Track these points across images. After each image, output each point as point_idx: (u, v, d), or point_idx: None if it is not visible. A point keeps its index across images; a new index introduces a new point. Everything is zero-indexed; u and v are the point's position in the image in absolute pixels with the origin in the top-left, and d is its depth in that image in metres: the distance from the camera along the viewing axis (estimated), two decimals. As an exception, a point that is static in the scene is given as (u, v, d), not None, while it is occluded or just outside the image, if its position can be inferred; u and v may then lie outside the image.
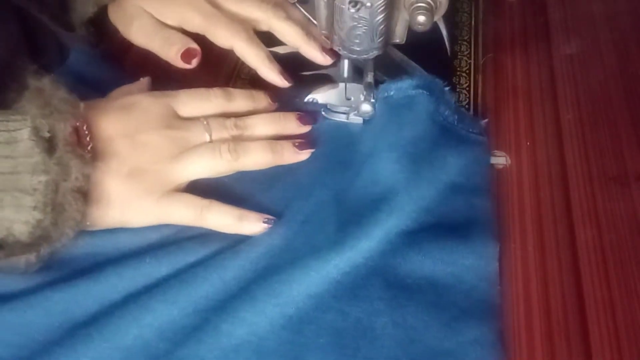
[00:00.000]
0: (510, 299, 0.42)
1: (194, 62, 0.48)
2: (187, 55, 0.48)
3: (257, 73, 0.49)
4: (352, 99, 0.50)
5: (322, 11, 0.45)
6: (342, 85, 0.51)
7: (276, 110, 0.48)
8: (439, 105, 0.48)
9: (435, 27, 0.44)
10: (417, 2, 0.40)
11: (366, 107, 0.47)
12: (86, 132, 0.40)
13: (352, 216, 0.43)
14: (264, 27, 0.50)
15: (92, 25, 0.51)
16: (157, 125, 0.43)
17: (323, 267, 0.40)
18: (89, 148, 0.39)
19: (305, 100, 0.51)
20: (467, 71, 0.55)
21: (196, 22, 0.49)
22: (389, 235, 0.42)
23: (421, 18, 0.40)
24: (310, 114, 0.48)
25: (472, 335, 0.39)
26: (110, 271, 0.40)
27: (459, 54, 0.56)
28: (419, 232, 0.43)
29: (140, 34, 0.50)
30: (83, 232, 0.40)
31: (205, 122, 0.44)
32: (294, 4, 0.52)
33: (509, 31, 0.60)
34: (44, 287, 0.39)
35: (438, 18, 0.42)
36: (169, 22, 0.50)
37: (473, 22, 0.60)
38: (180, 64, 0.48)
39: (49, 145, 0.37)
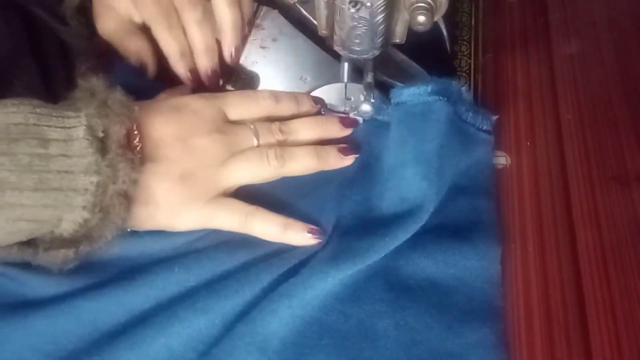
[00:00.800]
0: (510, 299, 0.42)
1: (150, 74, 0.48)
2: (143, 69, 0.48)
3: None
4: (352, 98, 0.50)
5: (322, 11, 0.45)
6: (342, 85, 0.51)
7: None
8: (458, 109, 0.47)
9: (435, 27, 0.44)
10: (417, 2, 0.40)
11: (366, 107, 0.47)
12: (136, 133, 0.40)
13: (377, 230, 0.42)
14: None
15: (82, 15, 0.51)
16: (209, 130, 0.42)
17: (338, 274, 0.40)
18: (138, 149, 0.39)
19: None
20: (467, 71, 0.55)
21: None
22: (388, 235, 0.42)
23: (421, 18, 0.40)
24: (351, 117, 0.48)
25: (474, 337, 0.39)
26: (141, 280, 0.40)
27: (459, 54, 0.56)
28: (423, 234, 0.42)
29: (105, 32, 0.49)
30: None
31: (252, 127, 0.44)
32: (294, 4, 0.51)
33: (509, 31, 0.60)
34: (76, 295, 0.39)
35: (438, 18, 0.42)
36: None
37: (473, 22, 0.59)
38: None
39: (102, 146, 0.37)
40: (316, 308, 0.40)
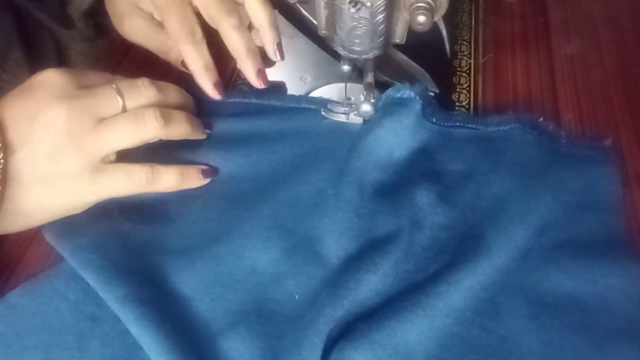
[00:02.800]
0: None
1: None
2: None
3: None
4: (352, 99, 0.50)
5: (322, 11, 0.45)
6: (342, 85, 0.51)
7: None
8: (541, 138, 0.48)
9: (435, 27, 0.44)
10: (418, 2, 0.40)
11: (366, 107, 0.47)
12: None
13: (480, 248, 0.42)
14: (212, 25, 0.49)
15: (90, 17, 0.51)
16: (59, 98, 0.39)
17: (462, 280, 0.40)
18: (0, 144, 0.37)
19: None
20: (467, 71, 0.55)
21: (158, 4, 0.48)
22: (517, 249, 0.42)
23: (421, 18, 0.40)
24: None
25: (623, 358, 0.38)
26: None
27: (459, 54, 0.56)
28: (554, 250, 0.42)
29: (132, 33, 0.50)
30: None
31: (114, 85, 0.41)
32: (294, 4, 0.52)
33: (509, 31, 0.60)
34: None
35: (438, 18, 0.42)
36: (143, 7, 0.49)
37: (473, 22, 0.59)
38: (180, 68, 0.49)
39: None
40: (455, 322, 0.39)
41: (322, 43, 0.52)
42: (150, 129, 0.41)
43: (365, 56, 0.46)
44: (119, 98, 0.41)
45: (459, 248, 0.43)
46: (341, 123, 0.49)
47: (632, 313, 0.40)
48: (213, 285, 0.41)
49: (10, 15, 0.47)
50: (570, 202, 0.45)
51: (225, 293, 0.41)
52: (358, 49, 0.45)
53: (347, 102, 0.50)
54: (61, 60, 0.50)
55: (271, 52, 0.50)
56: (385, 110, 0.48)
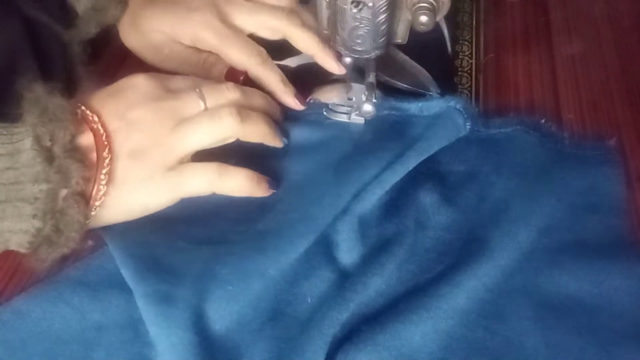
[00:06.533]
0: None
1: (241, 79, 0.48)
2: (231, 74, 0.48)
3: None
4: (354, 99, 0.50)
5: (324, 11, 0.45)
6: (343, 85, 0.51)
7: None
8: (543, 139, 0.48)
9: (436, 27, 0.44)
10: (420, 3, 0.40)
11: (368, 107, 0.47)
12: (96, 128, 0.39)
13: (483, 251, 0.42)
14: (278, 36, 0.49)
15: (89, 45, 0.51)
16: (147, 100, 0.41)
17: (465, 282, 0.40)
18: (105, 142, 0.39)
19: (307, 100, 0.51)
20: (469, 71, 0.55)
21: (210, 43, 0.48)
22: (521, 250, 0.42)
23: (423, 18, 0.40)
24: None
25: (629, 359, 0.38)
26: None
27: (460, 54, 0.56)
28: (558, 251, 0.42)
29: (172, 61, 0.50)
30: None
31: (197, 90, 0.42)
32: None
33: (511, 31, 0.60)
34: None
35: (440, 18, 0.42)
36: (184, 42, 0.49)
37: (474, 22, 0.59)
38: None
39: (49, 155, 0.37)
40: (459, 323, 0.39)
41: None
42: (226, 126, 0.41)
43: (366, 56, 0.46)
44: (200, 101, 0.42)
45: (462, 249, 0.43)
46: (343, 123, 0.49)
47: (638, 314, 0.40)
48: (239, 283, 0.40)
49: (18, 21, 0.47)
50: (574, 203, 0.45)
51: (242, 292, 0.40)
52: (360, 49, 0.45)
53: (349, 102, 0.50)
54: (67, 64, 0.50)
55: (335, 67, 0.49)
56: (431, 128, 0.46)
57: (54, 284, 0.40)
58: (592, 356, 0.38)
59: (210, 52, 0.49)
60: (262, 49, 0.48)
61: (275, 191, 0.44)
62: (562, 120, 0.52)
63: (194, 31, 0.48)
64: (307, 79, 0.50)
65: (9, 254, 0.40)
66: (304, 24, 0.49)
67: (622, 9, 0.61)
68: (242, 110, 0.42)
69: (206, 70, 0.49)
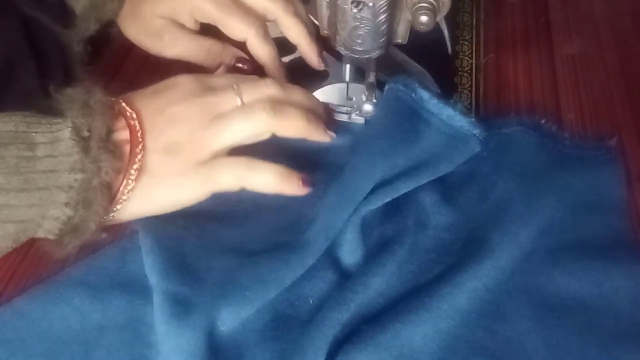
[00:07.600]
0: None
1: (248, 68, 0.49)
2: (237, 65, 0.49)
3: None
4: (354, 99, 0.50)
5: (324, 11, 0.45)
6: (343, 85, 0.51)
7: None
8: (543, 140, 0.48)
9: (436, 27, 0.44)
10: (420, 2, 0.40)
11: (368, 107, 0.47)
12: (133, 123, 0.40)
13: (484, 250, 0.42)
14: (270, 18, 0.49)
15: (89, 44, 0.51)
16: (186, 96, 0.42)
17: (466, 282, 0.40)
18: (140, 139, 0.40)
19: None
20: (469, 71, 0.55)
21: (210, 13, 0.48)
22: (521, 250, 0.42)
23: (424, 18, 0.40)
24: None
25: None
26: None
27: (460, 54, 0.56)
28: (559, 251, 0.42)
29: (175, 47, 0.50)
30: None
31: (235, 87, 0.43)
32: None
33: (511, 31, 0.60)
34: None
35: (440, 18, 0.42)
36: (184, 18, 0.49)
37: (474, 22, 0.59)
38: (237, 65, 0.50)
39: (86, 145, 0.38)
40: (460, 323, 0.39)
41: (324, 43, 0.52)
42: (259, 120, 0.41)
43: (367, 56, 0.46)
44: (237, 96, 0.42)
45: (462, 250, 0.43)
46: (343, 123, 0.49)
47: (638, 315, 0.40)
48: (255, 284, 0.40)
49: (17, 21, 0.47)
50: (575, 204, 0.45)
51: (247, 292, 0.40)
52: (360, 49, 0.45)
53: (349, 102, 0.50)
54: (65, 64, 0.50)
55: (315, 62, 0.50)
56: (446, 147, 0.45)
57: (55, 284, 0.40)
58: (593, 356, 0.38)
59: (213, 40, 0.49)
60: (262, 20, 0.48)
61: (310, 190, 0.43)
62: (562, 120, 0.52)
63: (194, 3, 0.48)
64: (295, 74, 0.51)
65: (9, 254, 0.40)
66: (297, 14, 0.49)
67: (622, 9, 0.61)
68: (277, 104, 0.42)
69: (212, 61, 0.49)
